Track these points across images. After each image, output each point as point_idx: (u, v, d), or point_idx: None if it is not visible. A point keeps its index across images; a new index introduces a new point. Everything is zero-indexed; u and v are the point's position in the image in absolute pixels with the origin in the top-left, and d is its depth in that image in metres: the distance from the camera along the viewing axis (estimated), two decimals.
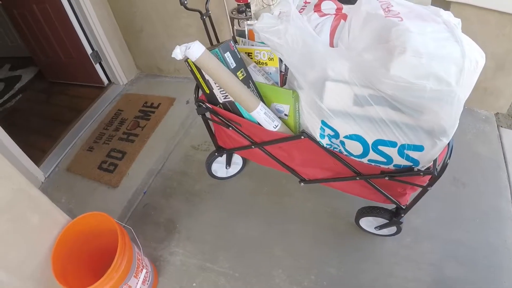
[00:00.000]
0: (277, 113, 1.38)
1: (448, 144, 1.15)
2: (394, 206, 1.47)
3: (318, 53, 1.17)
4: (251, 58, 1.44)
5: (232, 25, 2.44)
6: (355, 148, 1.24)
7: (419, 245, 1.63)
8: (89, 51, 2.62)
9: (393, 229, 1.59)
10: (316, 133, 1.29)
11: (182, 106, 2.54)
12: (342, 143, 1.25)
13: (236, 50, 1.30)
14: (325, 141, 1.30)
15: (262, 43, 1.43)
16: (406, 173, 1.23)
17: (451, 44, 1.01)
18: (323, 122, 1.24)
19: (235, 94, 1.27)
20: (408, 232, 1.66)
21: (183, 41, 2.56)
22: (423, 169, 1.21)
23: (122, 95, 2.71)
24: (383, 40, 1.08)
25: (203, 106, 1.46)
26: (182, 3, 1.81)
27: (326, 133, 1.27)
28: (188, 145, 2.25)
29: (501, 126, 2.11)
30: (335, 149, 1.31)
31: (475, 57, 1.01)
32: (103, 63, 2.71)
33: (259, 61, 1.44)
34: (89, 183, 2.13)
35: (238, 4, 2.20)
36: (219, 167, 1.92)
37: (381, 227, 1.59)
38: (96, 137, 2.38)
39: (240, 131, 1.47)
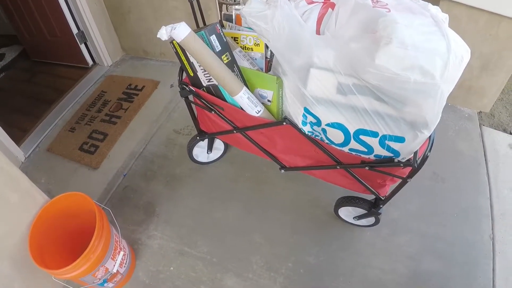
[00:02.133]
0: (260, 98, 1.36)
1: (429, 137, 1.16)
2: (373, 197, 1.48)
3: (304, 40, 1.15)
4: (237, 43, 1.42)
5: (220, 10, 2.39)
6: (336, 136, 1.24)
7: (396, 238, 1.66)
8: (74, 30, 2.54)
9: (371, 220, 1.61)
10: (298, 120, 1.28)
11: (166, 89, 2.51)
12: (324, 131, 1.25)
13: (222, 34, 1.28)
14: (307, 128, 1.29)
15: (249, 28, 1.42)
16: (386, 163, 1.24)
17: (438, 38, 1.01)
18: (306, 109, 1.23)
19: (218, 77, 1.24)
20: (387, 224, 1.68)
21: (170, 24, 2.51)
22: (403, 160, 1.22)
23: (106, 77, 2.64)
24: (369, 30, 1.08)
25: (187, 88, 1.44)
26: None
27: (308, 120, 1.26)
28: (170, 128, 2.22)
29: (483, 125, 2.14)
30: (316, 137, 1.31)
31: (460, 52, 1.02)
32: (88, 43, 2.63)
33: (245, 46, 1.41)
34: (69, 164, 2.08)
35: None
36: (200, 152, 1.90)
37: (359, 217, 1.61)
38: (79, 118, 2.32)
39: (223, 115, 1.45)
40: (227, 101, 1.39)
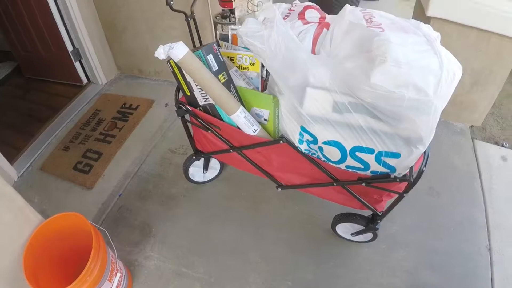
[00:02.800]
0: (257, 117, 1.37)
1: (424, 152, 1.18)
2: (370, 212, 1.48)
3: (300, 59, 1.17)
4: (233, 63, 1.43)
5: (216, 29, 2.43)
6: (333, 154, 1.25)
7: (394, 252, 1.66)
8: (69, 48, 2.55)
9: (369, 235, 1.61)
10: (295, 138, 1.29)
11: (161, 108, 2.51)
12: (321, 149, 1.26)
13: (218, 53, 1.29)
14: (303, 147, 1.30)
15: (246, 48, 1.44)
16: (382, 179, 1.25)
17: (430, 56, 1.04)
18: (302, 128, 1.25)
19: (215, 97, 1.25)
20: (384, 239, 1.67)
21: (166, 43, 2.52)
22: (399, 176, 1.23)
23: (100, 95, 2.64)
24: (364, 49, 1.11)
25: (183, 108, 1.44)
26: (168, 4, 1.79)
27: (304, 139, 1.27)
28: (165, 148, 2.22)
29: (475, 139, 2.18)
30: (313, 155, 1.32)
31: (453, 69, 1.05)
32: (83, 61, 2.63)
33: (241, 66, 1.43)
34: (63, 183, 2.06)
35: (222, 9, 2.20)
36: (196, 171, 1.90)
37: (357, 233, 1.60)
38: (73, 136, 2.31)
39: (219, 134, 1.45)
40: (223, 120, 1.40)
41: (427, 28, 1.17)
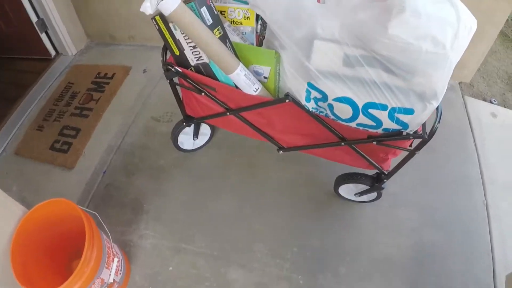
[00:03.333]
0: (256, 75, 1.26)
1: (437, 108, 1.12)
2: (374, 171, 1.44)
3: (305, 9, 1.07)
4: (224, 17, 1.30)
5: None
6: (344, 111, 1.17)
7: (396, 211, 1.65)
8: (34, 19, 2.27)
9: (373, 195, 1.58)
10: (301, 96, 1.19)
11: (139, 75, 2.32)
12: (331, 106, 1.17)
13: (212, 5, 1.16)
14: (310, 105, 1.21)
15: (237, 0, 1.30)
16: (395, 137, 1.19)
17: (447, 7, 0.98)
18: (310, 84, 1.15)
19: (213, 54, 1.12)
20: (386, 198, 1.64)
21: (139, 5, 2.32)
22: (411, 132, 1.18)
23: (71, 67, 2.39)
24: None
25: (172, 69, 1.29)
26: None
27: (312, 96, 1.18)
28: (148, 116, 2.06)
29: (465, 95, 2.18)
30: (321, 113, 1.23)
31: (469, 23, 0.99)
32: (49, 32, 2.35)
33: (233, 20, 1.30)
34: (41, 166, 1.88)
35: None
36: (185, 139, 1.77)
37: (361, 193, 1.57)
38: (46, 114, 2.09)
39: (214, 96, 1.33)
40: (219, 80, 1.28)
41: None
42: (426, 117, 1.14)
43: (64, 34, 2.34)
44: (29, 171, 1.87)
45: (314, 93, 1.16)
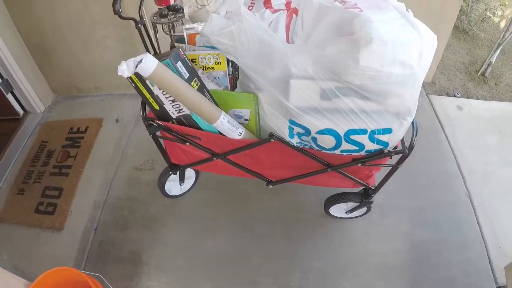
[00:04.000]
0: (237, 119, 1.29)
1: (412, 123, 1.20)
2: (360, 188, 1.50)
3: (277, 51, 1.11)
4: (196, 64, 1.32)
5: (155, 31, 2.24)
6: (327, 142, 1.22)
7: (386, 219, 1.72)
8: None
9: (363, 210, 1.64)
10: (284, 133, 1.23)
11: (112, 125, 2.29)
12: (314, 139, 1.22)
13: (186, 58, 1.18)
14: (294, 140, 1.25)
15: (207, 47, 1.33)
16: (377, 156, 1.26)
17: (409, 30, 1.05)
18: (291, 121, 1.19)
19: (194, 106, 1.15)
20: (374, 210, 1.71)
21: (101, 55, 2.33)
22: (392, 149, 1.25)
23: (43, 124, 2.33)
24: (344, 32, 1.08)
25: (154, 124, 1.31)
26: (116, 12, 1.56)
27: (295, 132, 1.22)
28: (129, 167, 2.04)
29: (429, 94, 2.31)
30: (305, 146, 1.28)
31: (431, 40, 1.08)
32: (15, 91, 2.28)
33: (205, 67, 1.33)
34: (29, 231, 1.81)
35: (159, 8, 2.02)
36: (172, 185, 1.77)
37: (351, 210, 1.63)
38: (24, 176, 2.02)
39: (200, 144, 1.35)
40: (202, 129, 1.30)
41: (393, 0, 1.17)
42: (403, 133, 1.22)
43: (30, 92, 2.28)
44: (17, 237, 1.80)
45: (297, 129, 1.21)
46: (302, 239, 1.67)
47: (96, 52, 2.20)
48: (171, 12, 2.14)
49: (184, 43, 1.39)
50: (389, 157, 1.27)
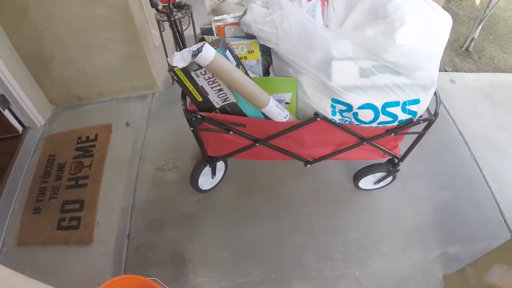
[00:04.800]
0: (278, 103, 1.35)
1: (435, 93, 1.33)
2: (385, 159, 1.62)
3: (318, 36, 1.20)
4: None
5: (160, 29, 2.24)
6: (367, 115, 1.31)
7: (408, 186, 1.86)
8: None
9: (389, 179, 1.76)
10: (327, 112, 1.31)
11: (123, 130, 2.25)
12: (355, 114, 1.31)
13: (232, 47, 1.22)
14: (337, 117, 1.34)
15: (238, 37, 1.38)
16: (408, 125, 1.38)
17: (429, 11, 1.21)
18: (334, 100, 1.28)
19: (248, 93, 1.19)
20: (396, 179, 1.82)
21: (107, 60, 2.27)
22: (421, 118, 1.38)
23: (45, 138, 2.23)
24: (380, 15, 1.20)
25: (198, 116, 1.33)
26: (154, 5, 1.55)
27: (337, 109, 1.31)
28: (151, 168, 2.02)
29: None
30: (345, 122, 1.37)
31: (447, 19, 1.22)
32: (12, 107, 2.17)
33: (238, 56, 1.37)
34: (54, 249, 1.74)
35: (163, 5, 2.02)
36: (204, 180, 1.79)
37: (379, 181, 1.75)
38: (37, 194, 1.93)
39: (243, 132, 1.39)
40: (247, 116, 1.34)
41: None
42: (428, 102, 1.35)
43: (28, 106, 2.17)
44: (42, 258, 1.72)
45: (339, 107, 1.29)
46: (337, 214, 1.77)
47: (99, 56, 2.15)
48: (176, 9, 2.16)
49: (212, 35, 1.43)
50: (418, 124, 1.39)
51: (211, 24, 1.44)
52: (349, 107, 1.29)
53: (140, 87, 2.39)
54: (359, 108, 1.28)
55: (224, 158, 1.60)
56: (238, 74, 1.14)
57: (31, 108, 2.19)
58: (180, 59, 1.10)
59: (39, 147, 2.20)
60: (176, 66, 1.12)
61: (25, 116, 2.20)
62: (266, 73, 1.44)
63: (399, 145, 1.58)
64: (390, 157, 1.62)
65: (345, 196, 1.83)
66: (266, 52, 1.40)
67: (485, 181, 1.86)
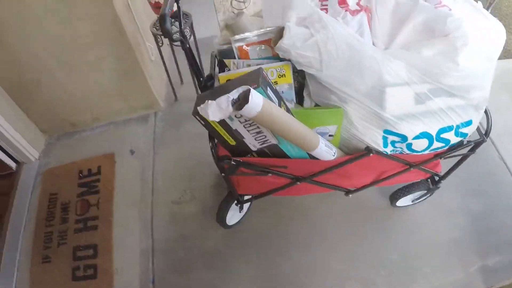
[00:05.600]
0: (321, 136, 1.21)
1: (485, 111, 1.23)
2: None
3: (367, 58, 1.05)
4: None
5: (157, 42, 2.01)
6: (421, 145, 1.20)
7: (441, 198, 1.76)
8: None
9: (427, 195, 1.67)
10: (379, 144, 1.18)
11: (128, 158, 2.04)
12: (409, 145, 1.19)
13: (270, 81, 1.06)
14: (388, 149, 1.21)
15: (263, 58, 1.21)
16: (458, 148, 1.28)
17: (486, 24, 1.08)
18: (387, 131, 1.15)
19: (297, 137, 1.04)
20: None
21: (97, 81, 2.03)
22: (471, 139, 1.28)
23: (43, 174, 2.00)
24: (437, 32, 1.05)
25: (233, 163, 1.17)
26: (166, 33, 1.29)
27: (389, 141, 1.18)
28: (166, 201, 1.84)
29: None
30: (396, 152, 1.25)
31: (501, 31, 1.09)
32: (1, 143, 1.90)
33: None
34: None
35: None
36: (232, 214, 1.65)
37: (418, 198, 1.68)
38: (44, 240, 1.73)
39: (284, 173, 1.25)
40: (290, 157, 1.19)
41: None
42: (478, 122, 1.24)
43: (18, 139, 1.90)
44: None
45: (392, 138, 1.17)
46: (373, 236, 1.68)
47: (88, 77, 1.91)
48: (174, 20, 1.93)
49: (233, 57, 1.25)
50: (469, 146, 1.30)
51: (228, 44, 1.26)
52: (404, 138, 1.16)
53: (139, 107, 2.17)
54: (414, 138, 1.16)
55: (259, 197, 1.46)
56: (288, 119, 0.99)
57: (21, 141, 1.93)
58: (217, 111, 0.92)
59: (37, 184, 1.97)
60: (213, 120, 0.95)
61: (17, 151, 1.94)
62: (298, 96, 1.28)
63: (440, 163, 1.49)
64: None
65: (378, 215, 1.74)
66: (297, 70, 1.23)
67: None
